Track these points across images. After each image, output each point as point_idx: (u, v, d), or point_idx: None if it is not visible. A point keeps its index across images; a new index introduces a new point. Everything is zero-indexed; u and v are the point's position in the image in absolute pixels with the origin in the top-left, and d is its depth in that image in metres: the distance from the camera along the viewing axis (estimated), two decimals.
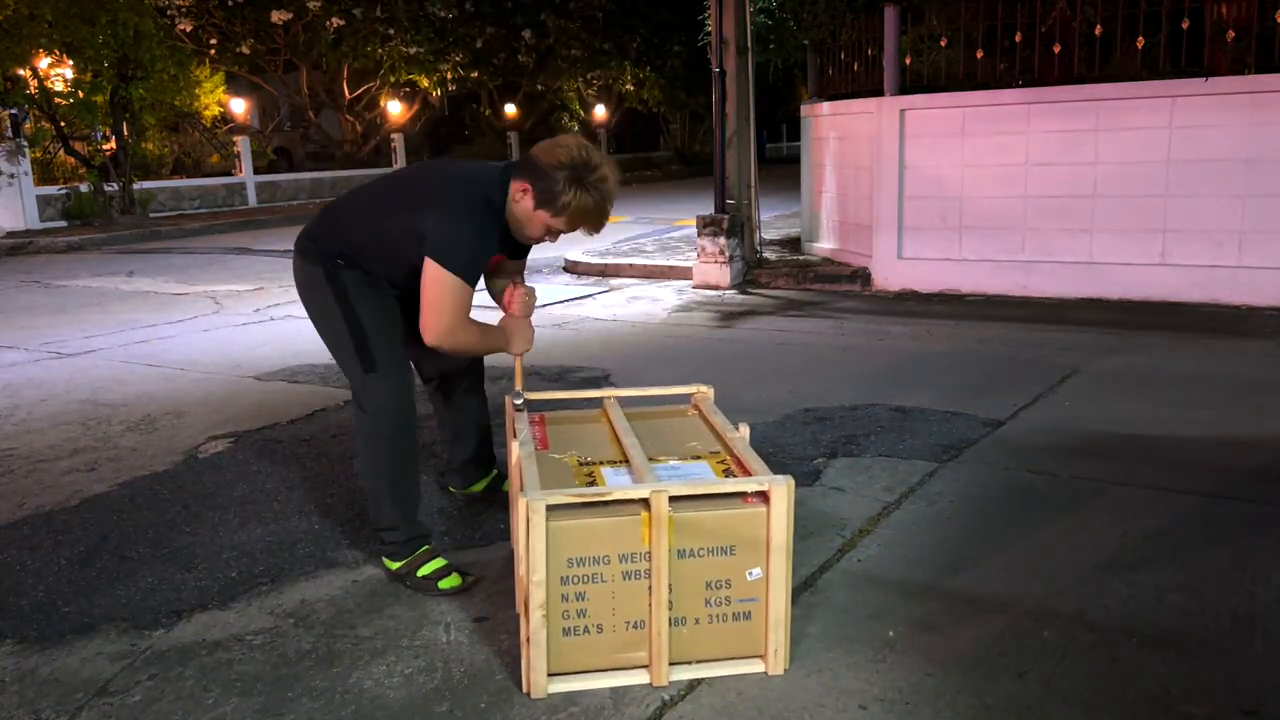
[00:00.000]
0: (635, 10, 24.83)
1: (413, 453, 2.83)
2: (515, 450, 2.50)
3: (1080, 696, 2.11)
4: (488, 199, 2.65)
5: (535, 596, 2.13)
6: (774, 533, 2.18)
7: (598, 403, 2.90)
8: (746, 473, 2.33)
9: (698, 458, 2.47)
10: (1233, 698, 2.09)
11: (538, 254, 10.72)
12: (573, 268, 9.27)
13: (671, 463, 2.43)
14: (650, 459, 2.41)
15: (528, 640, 2.15)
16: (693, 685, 2.20)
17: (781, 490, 2.17)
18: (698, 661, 2.24)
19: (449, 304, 2.58)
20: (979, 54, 7.30)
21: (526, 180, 2.60)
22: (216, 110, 19.34)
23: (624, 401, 2.87)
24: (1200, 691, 2.12)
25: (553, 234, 2.71)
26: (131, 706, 2.20)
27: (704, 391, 2.88)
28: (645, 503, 2.16)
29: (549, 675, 2.18)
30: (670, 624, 2.20)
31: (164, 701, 2.21)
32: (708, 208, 8.20)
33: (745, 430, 2.59)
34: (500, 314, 2.96)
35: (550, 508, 2.12)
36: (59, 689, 2.28)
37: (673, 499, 2.16)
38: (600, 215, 2.65)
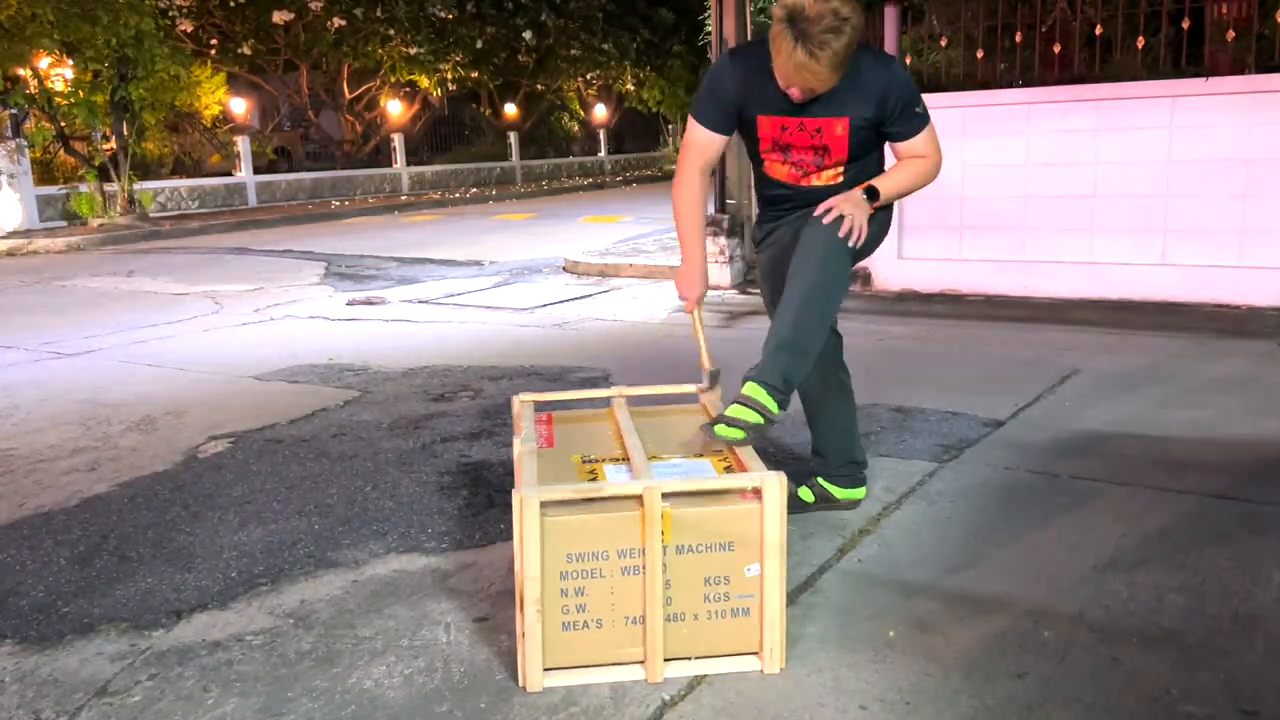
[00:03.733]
0: (635, 10, 24.86)
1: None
2: (517, 447, 2.52)
3: (1080, 696, 2.11)
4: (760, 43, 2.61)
5: (530, 592, 2.13)
6: (767, 529, 2.19)
7: (606, 401, 2.90)
8: (745, 470, 2.33)
9: (700, 456, 2.48)
10: (1233, 698, 2.09)
11: (537, 253, 10.74)
12: (573, 268, 9.27)
13: (674, 460, 2.44)
14: (653, 457, 2.42)
15: (523, 635, 2.16)
16: (693, 685, 2.20)
17: (774, 486, 2.17)
18: (696, 658, 2.25)
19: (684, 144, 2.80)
20: (979, 54, 7.29)
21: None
22: (216, 110, 19.35)
23: (632, 400, 2.88)
24: (1200, 691, 2.12)
25: (790, 86, 2.54)
26: (131, 706, 2.20)
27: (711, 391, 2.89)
28: (639, 499, 2.17)
29: (546, 670, 2.19)
30: (669, 620, 2.20)
31: (164, 701, 2.21)
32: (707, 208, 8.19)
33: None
34: None
35: (545, 503, 2.13)
36: (59, 689, 2.28)
37: (673, 495, 2.17)
38: (801, 70, 2.45)
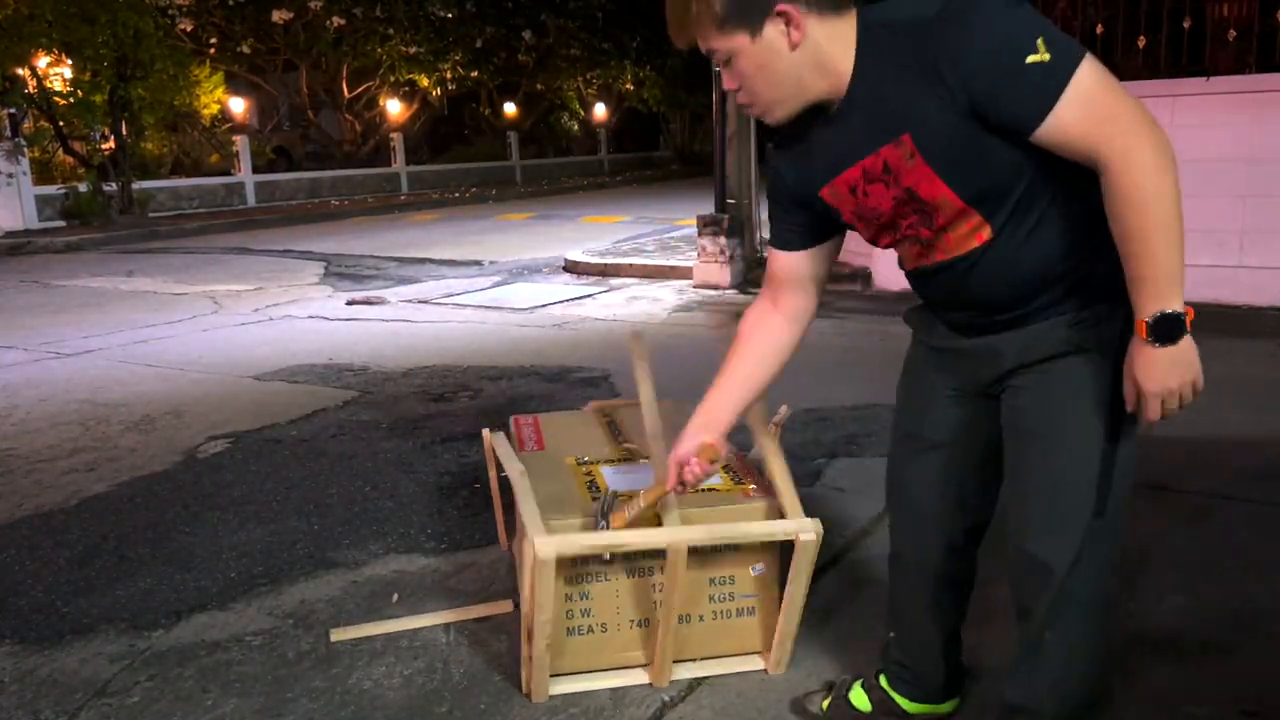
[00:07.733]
0: (635, 10, 24.81)
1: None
2: (509, 471, 2.40)
3: None
4: None
5: (540, 630, 2.04)
6: (794, 586, 2.12)
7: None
8: (747, 474, 2.33)
9: None
10: (1233, 698, 2.09)
11: (537, 253, 10.73)
12: (573, 268, 9.26)
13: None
14: (644, 459, 2.41)
15: (529, 659, 2.10)
16: (692, 686, 2.19)
17: (810, 538, 2.08)
18: (701, 659, 2.24)
19: None
20: None
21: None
22: (216, 110, 19.32)
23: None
24: (1200, 691, 2.11)
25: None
26: (131, 707, 2.19)
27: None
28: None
29: (550, 676, 2.16)
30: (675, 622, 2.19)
31: (163, 702, 2.21)
32: (708, 207, 8.19)
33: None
34: None
35: (553, 529, 2.03)
36: (58, 689, 2.28)
37: (675, 494, 2.15)
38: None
